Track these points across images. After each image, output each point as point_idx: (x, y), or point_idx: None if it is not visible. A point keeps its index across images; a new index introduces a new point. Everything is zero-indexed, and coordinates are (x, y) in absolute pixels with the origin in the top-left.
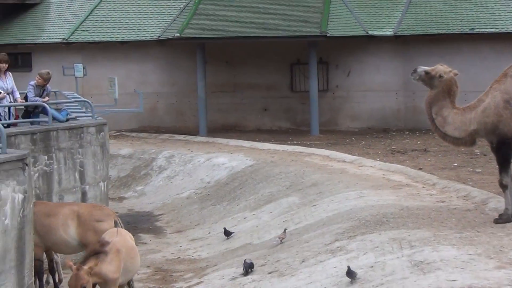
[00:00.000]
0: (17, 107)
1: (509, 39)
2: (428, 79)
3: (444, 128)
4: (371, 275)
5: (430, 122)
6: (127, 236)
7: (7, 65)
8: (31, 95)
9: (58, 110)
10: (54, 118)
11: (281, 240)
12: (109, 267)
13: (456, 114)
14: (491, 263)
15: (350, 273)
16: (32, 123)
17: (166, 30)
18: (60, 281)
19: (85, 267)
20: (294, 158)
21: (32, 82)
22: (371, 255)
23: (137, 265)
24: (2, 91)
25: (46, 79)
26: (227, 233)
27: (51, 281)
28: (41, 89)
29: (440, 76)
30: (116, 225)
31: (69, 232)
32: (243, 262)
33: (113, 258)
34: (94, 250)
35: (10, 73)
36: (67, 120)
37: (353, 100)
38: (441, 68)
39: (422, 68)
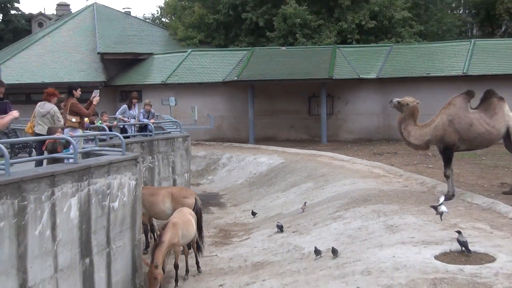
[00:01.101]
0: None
1: (453, 80)
2: (399, 106)
3: (408, 138)
4: (359, 234)
5: (399, 134)
6: (187, 213)
7: (137, 100)
8: (141, 118)
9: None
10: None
11: (303, 210)
12: (170, 237)
13: (416, 129)
14: (438, 226)
15: (333, 251)
16: (142, 135)
17: (228, 75)
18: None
19: (154, 264)
20: (310, 158)
21: (142, 110)
22: (359, 221)
23: (191, 232)
24: (130, 118)
25: (150, 104)
26: (254, 214)
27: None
28: (148, 114)
29: (407, 104)
30: (196, 201)
31: (166, 205)
32: (276, 225)
33: (172, 231)
34: (155, 245)
35: (137, 104)
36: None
37: (349, 120)
38: (408, 99)
39: (395, 99)
